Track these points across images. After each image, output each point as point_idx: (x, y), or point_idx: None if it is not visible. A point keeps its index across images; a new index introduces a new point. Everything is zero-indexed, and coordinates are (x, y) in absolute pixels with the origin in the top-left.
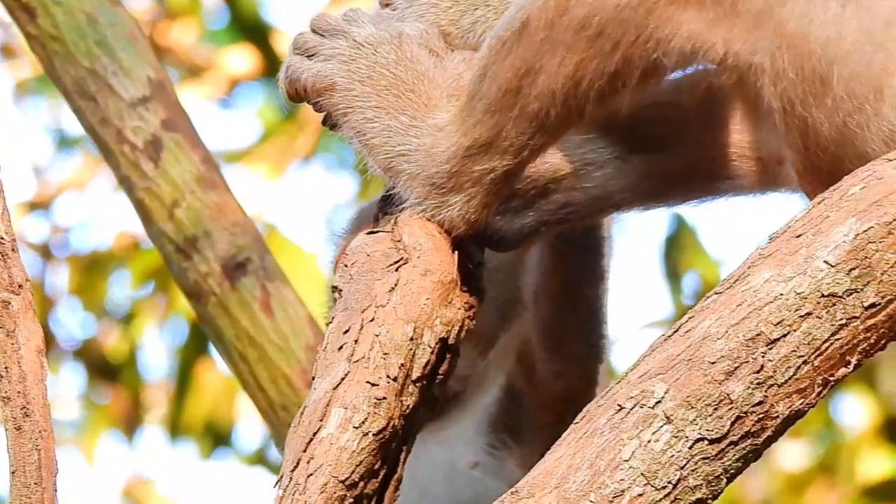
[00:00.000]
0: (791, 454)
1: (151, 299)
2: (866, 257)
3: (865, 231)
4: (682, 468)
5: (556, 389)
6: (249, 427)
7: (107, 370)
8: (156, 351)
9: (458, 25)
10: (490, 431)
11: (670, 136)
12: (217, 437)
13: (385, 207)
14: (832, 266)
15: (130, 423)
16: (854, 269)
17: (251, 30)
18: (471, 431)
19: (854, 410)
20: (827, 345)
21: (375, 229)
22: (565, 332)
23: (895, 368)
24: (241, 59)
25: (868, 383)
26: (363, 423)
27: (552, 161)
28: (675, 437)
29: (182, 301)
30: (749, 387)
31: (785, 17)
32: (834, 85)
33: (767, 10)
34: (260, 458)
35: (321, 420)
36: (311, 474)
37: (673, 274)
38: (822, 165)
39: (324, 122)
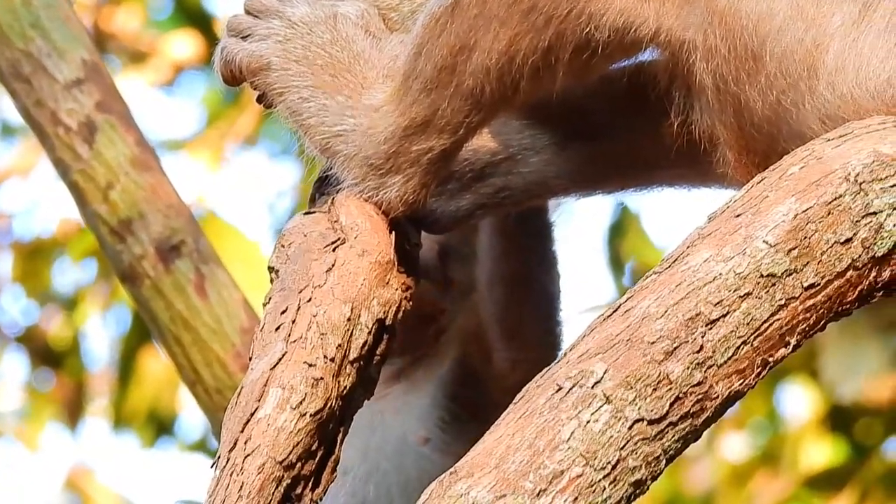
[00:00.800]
0: (734, 445)
1: (95, 287)
2: (805, 237)
3: (805, 211)
4: (621, 449)
5: (513, 378)
6: (192, 416)
7: (50, 357)
8: (99, 339)
9: (398, 11)
10: (444, 406)
11: (606, 122)
12: (160, 426)
13: (322, 188)
14: (771, 246)
15: (73, 412)
16: (793, 249)
17: (195, 16)
18: (426, 403)
19: (797, 400)
20: (766, 325)
21: (312, 210)
22: (521, 319)
23: (838, 358)
24: (185, 45)
25: (810, 373)
26: (300, 403)
27: (490, 145)
28: (615, 418)
29: None
30: (688, 367)
31: None
32: (766, 62)
33: None
34: (202, 447)
35: (258, 400)
36: (248, 455)
37: (616, 261)
38: (756, 146)
39: (259, 101)
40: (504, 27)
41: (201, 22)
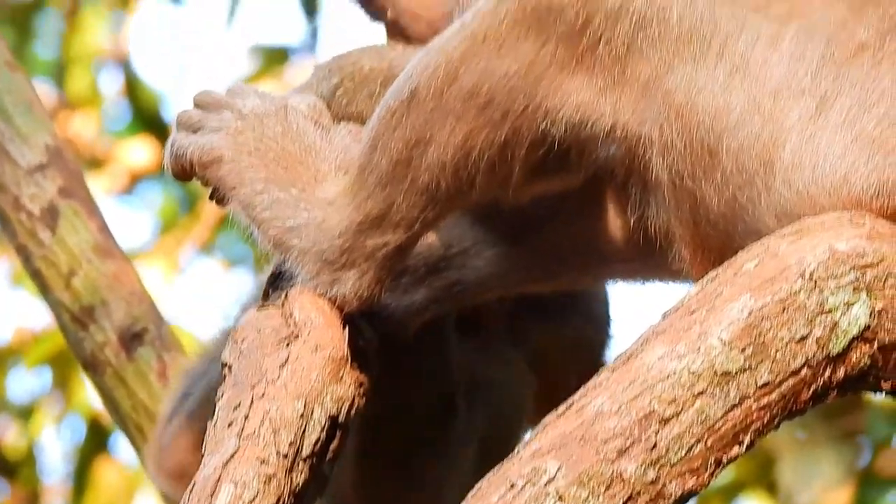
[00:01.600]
0: None
1: (50, 396)
2: (760, 335)
3: (760, 308)
4: None
5: None
6: None
7: (4, 468)
8: (54, 449)
9: (322, 94)
10: None
11: (561, 215)
12: None
13: (275, 283)
14: (726, 343)
15: None
16: (748, 346)
17: (152, 123)
18: None
19: None
20: (720, 423)
21: (265, 305)
22: None
23: (794, 469)
24: (142, 152)
25: (767, 485)
26: (253, 500)
27: (444, 238)
28: None
29: (81, 398)
30: (642, 465)
31: (673, 87)
32: (723, 157)
33: (655, 79)
34: None
35: (211, 496)
36: None
37: None
38: (712, 242)
39: (211, 197)
40: (460, 122)
41: (158, 129)
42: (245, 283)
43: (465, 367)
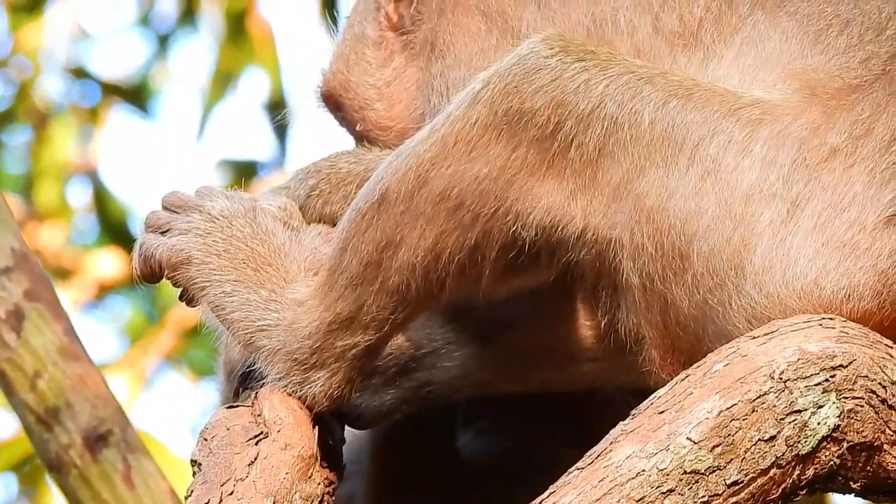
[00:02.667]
0: None
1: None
2: (729, 434)
3: (729, 408)
4: None
5: None
6: None
7: None
8: None
9: (297, 197)
10: None
11: (531, 316)
12: None
13: (245, 382)
14: (695, 443)
15: None
16: (717, 446)
17: (120, 235)
18: None
19: None
20: None
21: (235, 404)
22: None
23: None
24: (109, 263)
25: None
26: None
27: (414, 339)
28: None
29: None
30: None
31: (644, 190)
32: (694, 261)
33: (627, 182)
34: None
35: None
36: None
37: None
38: (682, 345)
39: (181, 298)
40: (430, 224)
41: (126, 241)
42: (212, 394)
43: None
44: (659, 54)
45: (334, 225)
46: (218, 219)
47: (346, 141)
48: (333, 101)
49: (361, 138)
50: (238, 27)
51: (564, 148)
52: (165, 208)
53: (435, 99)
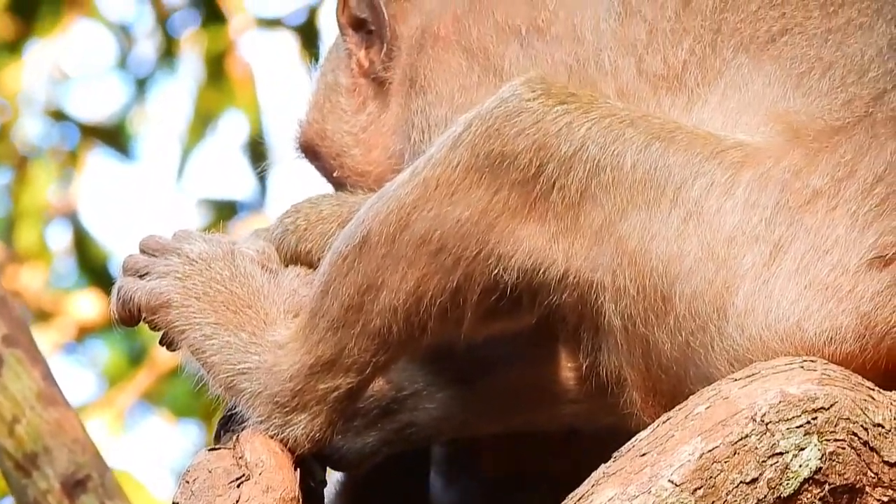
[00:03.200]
0: None
1: None
2: (711, 477)
3: (711, 451)
4: None
5: None
6: None
7: None
8: None
9: (273, 236)
10: None
11: (512, 358)
12: None
13: (227, 425)
14: (677, 485)
15: None
16: (699, 488)
17: (100, 278)
18: None
19: None
20: None
21: (217, 446)
22: None
23: None
24: (89, 305)
25: None
26: None
27: (395, 381)
28: None
29: None
30: None
31: (626, 233)
32: (676, 303)
33: (609, 225)
34: None
35: None
36: None
37: None
38: (663, 387)
39: (161, 342)
40: (412, 267)
41: (106, 284)
42: (191, 434)
43: None
44: (643, 97)
45: (309, 264)
46: (196, 262)
47: (324, 185)
48: (311, 151)
49: (340, 185)
50: (217, 69)
51: (546, 191)
52: (143, 252)
53: (415, 136)
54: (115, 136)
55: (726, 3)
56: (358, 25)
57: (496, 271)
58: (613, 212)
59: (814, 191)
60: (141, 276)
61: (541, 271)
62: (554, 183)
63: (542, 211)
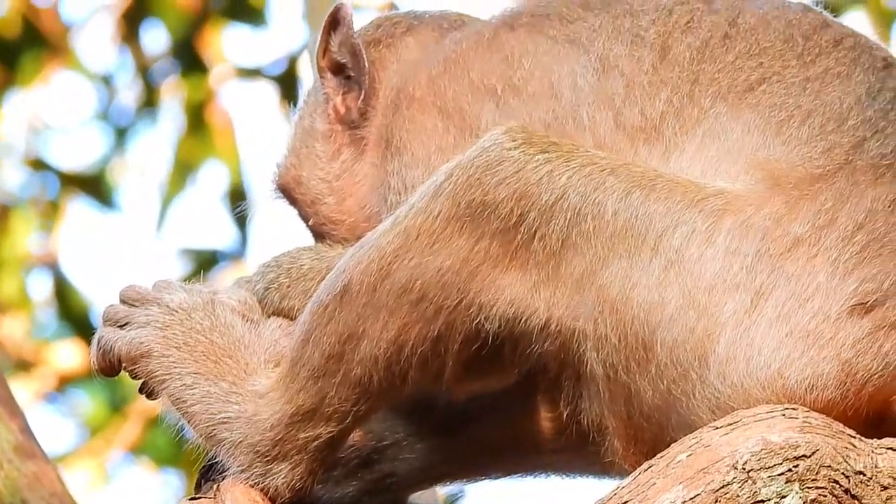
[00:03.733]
0: None
1: None
2: None
3: (692, 498)
4: None
5: None
6: None
7: None
8: None
9: (256, 291)
10: None
11: (493, 407)
12: None
13: (207, 475)
14: None
15: None
16: None
17: (81, 327)
18: None
19: None
20: None
21: (198, 495)
22: None
23: None
24: (70, 355)
25: None
26: None
27: (376, 430)
28: None
29: None
30: None
31: (607, 281)
32: (658, 351)
33: (590, 274)
34: None
35: None
36: None
37: None
38: (645, 435)
39: (141, 390)
40: (393, 317)
41: (87, 333)
42: (173, 484)
43: None
44: (620, 148)
45: (293, 320)
46: (177, 311)
47: (305, 232)
48: (288, 195)
49: (317, 231)
50: (197, 119)
51: (528, 240)
52: (124, 302)
53: (392, 197)
54: (95, 186)
55: (703, 54)
56: (337, 70)
57: (477, 320)
58: (595, 260)
59: (795, 238)
60: (121, 326)
61: (522, 320)
62: (535, 232)
63: (524, 260)
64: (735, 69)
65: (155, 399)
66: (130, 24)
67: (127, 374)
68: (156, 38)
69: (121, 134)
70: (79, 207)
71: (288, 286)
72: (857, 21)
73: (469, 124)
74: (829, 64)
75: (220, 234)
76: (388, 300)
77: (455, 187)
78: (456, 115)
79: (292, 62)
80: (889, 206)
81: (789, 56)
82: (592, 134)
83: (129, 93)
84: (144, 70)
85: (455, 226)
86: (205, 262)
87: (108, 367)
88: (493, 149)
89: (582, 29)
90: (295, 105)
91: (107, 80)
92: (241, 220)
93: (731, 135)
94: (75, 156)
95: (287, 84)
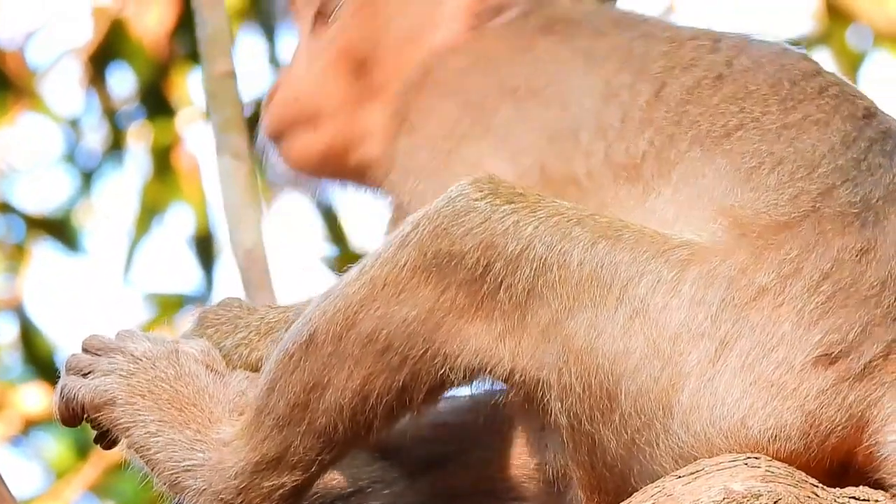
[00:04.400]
0: None
1: None
2: None
3: None
4: None
5: None
6: None
7: None
8: None
9: (222, 348)
10: None
11: (457, 455)
12: None
13: None
14: None
15: None
16: None
17: (46, 371)
18: None
19: None
20: None
21: None
22: None
23: None
24: (35, 399)
25: None
26: None
27: (340, 478)
28: None
29: None
30: None
31: (572, 331)
32: (622, 400)
33: (555, 323)
34: None
35: None
36: None
37: None
38: (608, 485)
39: (97, 441)
40: (358, 366)
41: (52, 377)
42: None
43: None
44: (605, 183)
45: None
46: (141, 360)
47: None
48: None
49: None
50: (164, 162)
51: (493, 290)
52: (86, 351)
53: (395, 176)
54: (61, 229)
55: (692, 94)
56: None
57: (442, 371)
58: (560, 310)
59: (760, 288)
60: (84, 375)
61: (487, 370)
62: (501, 282)
63: (489, 310)
64: (717, 112)
65: (112, 449)
66: (97, 68)
67: (89, 423)
68: (122, 81)
69: (87, 177)
70: (45, 251)
71: (257, 341)
72: (823, 62)
73: (485, 119)
74: (809, 111)
75: (185, 277)
76: (354, 350)
77: (421, 237)
78: (475, 108)
79: (258, 105)
80: (856, 256)
81: (772, 101)
82: (586, 161)
83: (95, 136)
84: (111, 113)
85: (421, 276)
86: (170, 307)
87: (71, 417)
88: (460, 199)
89: (604, 47)
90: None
91: (73, 123)
92: (207, 264)
93: (702, 180)
94: (41, 199)
95: (253, 127)
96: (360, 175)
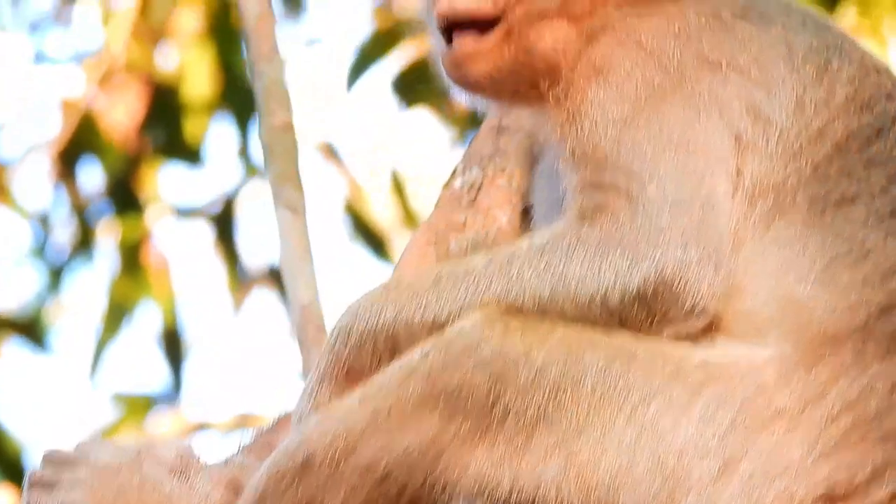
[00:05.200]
0: None
1: None
2: None
3: None
4: None
5: None
6: None
7: None
8: None
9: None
10: None
11: None
12: None
13: None
14: None
15: None
16: None
17: (14, 472)
18: None
19: None
20: None
21: None
22: None
23: None
24: (2, 499)
25: None
26: None
27: None
28: None
29: None
30: None
31: (577, 448)
32: None
33: (561, 444)
34: None
35: None
36: None
37: None
38: None
39: None
40: (355, 493)
41: (20, 478)
42: None
43: None
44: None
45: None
46: (104, 472)
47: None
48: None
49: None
50: (132, 259)
51: (501, 418)
52: (48, 466)
53: (580, 124)
54: (29, 328)
55: (848, 141)
56: None
57: (441, 498)
58: (568, 432)
59: (776, 409)
60: (48, 491)
61: (485, 493)
62: (510, 410)
63: (494, 436)
64: (846, 174)
65: None
66: (66, 162)
67: None
68: (92, 176)
69: (56, 274)
70: (12, 349)
71: None
72: None
73: (685, 85)
74: None
75: (153, 377)
76: (352, 477)
77: (430, 368)
78: (675, 74)
79: (228, 202)
80: (890, 388)
81: (880, 177)
82: (767, 145)
83: (64, 231)
84: (80, 209)
85: (428, 406)
86: (138, 407)
87: None
88: (472, 331)
89: (802, 44)
90: (230, 246)
91: (42, 219)
92: (176, 363)
93: (786, 252)
94: (9, 296)
95: (223, 224)
96: (528, 96)
